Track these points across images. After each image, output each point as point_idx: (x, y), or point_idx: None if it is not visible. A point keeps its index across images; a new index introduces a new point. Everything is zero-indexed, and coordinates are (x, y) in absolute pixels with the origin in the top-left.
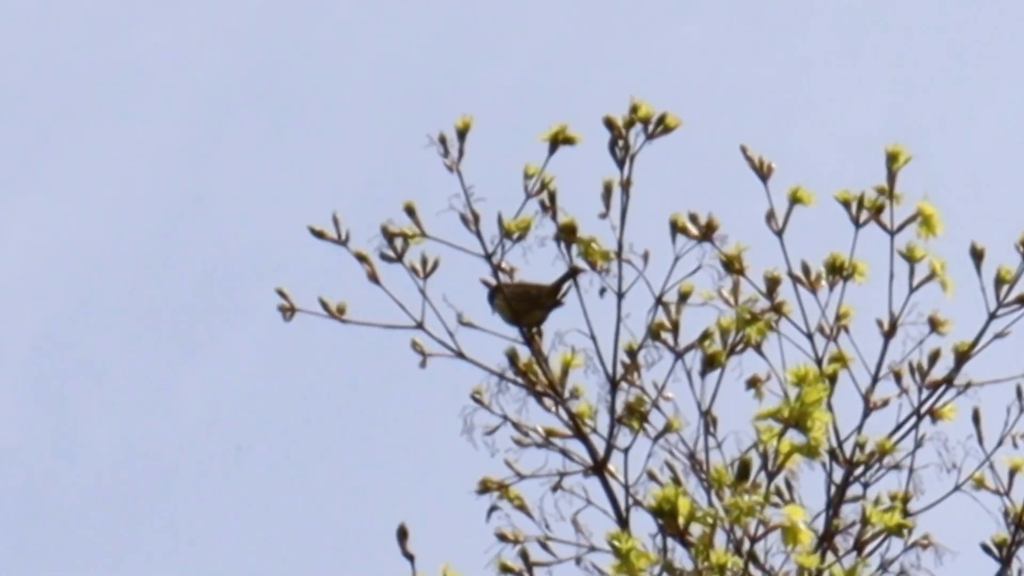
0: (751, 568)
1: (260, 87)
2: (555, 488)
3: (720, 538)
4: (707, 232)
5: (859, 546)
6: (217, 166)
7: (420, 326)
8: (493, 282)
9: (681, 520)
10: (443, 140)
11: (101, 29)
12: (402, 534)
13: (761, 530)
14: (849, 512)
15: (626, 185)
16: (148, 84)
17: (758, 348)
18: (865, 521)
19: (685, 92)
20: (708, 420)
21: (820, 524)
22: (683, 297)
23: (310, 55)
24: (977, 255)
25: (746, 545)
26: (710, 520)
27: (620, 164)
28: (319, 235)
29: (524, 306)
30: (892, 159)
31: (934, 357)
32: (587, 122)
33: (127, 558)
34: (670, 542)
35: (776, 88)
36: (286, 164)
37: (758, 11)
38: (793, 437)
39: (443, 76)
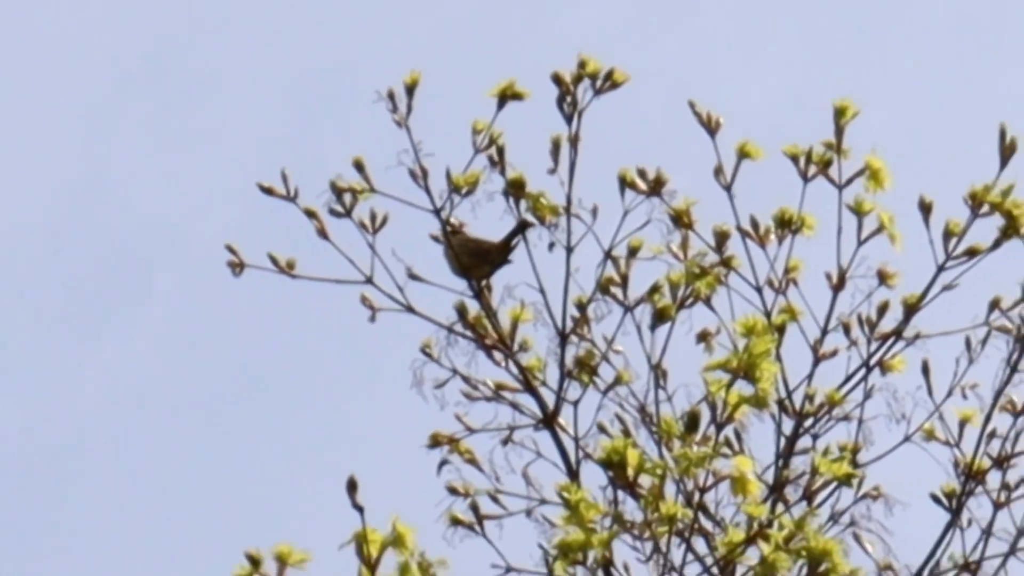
0: (701, 519)
1: (162, 63)
2: (505, 441)
3: (670, 489)
4: (656, 187)
5: (809, 496)
6: (116, 146)
7: (369, 281)
8: (444, 232)
9: (630, 471)
10: (391, 96)
11: None
12: (351, 486)
13: (711, 481)
14: (799, 464)
15: (574, 141)
16: (44, 64)
17: (708, 302)
18: (814, 471)
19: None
20: (658, 373)
21: (771, 476)
22: (632, 251)
23: (216, 26)
24: (925, 208)
25: (696, 496)
26: (659, 471)
27: (568, 120)
28: (268, 191)
29: (474, 261)
30: (840, 113)
31: (883, 309)
32: (535, 78)
33: (28, 544)
34: (620, 495)
35: (680, 64)
36: (187, 142)
37: None
38: (742, 388)
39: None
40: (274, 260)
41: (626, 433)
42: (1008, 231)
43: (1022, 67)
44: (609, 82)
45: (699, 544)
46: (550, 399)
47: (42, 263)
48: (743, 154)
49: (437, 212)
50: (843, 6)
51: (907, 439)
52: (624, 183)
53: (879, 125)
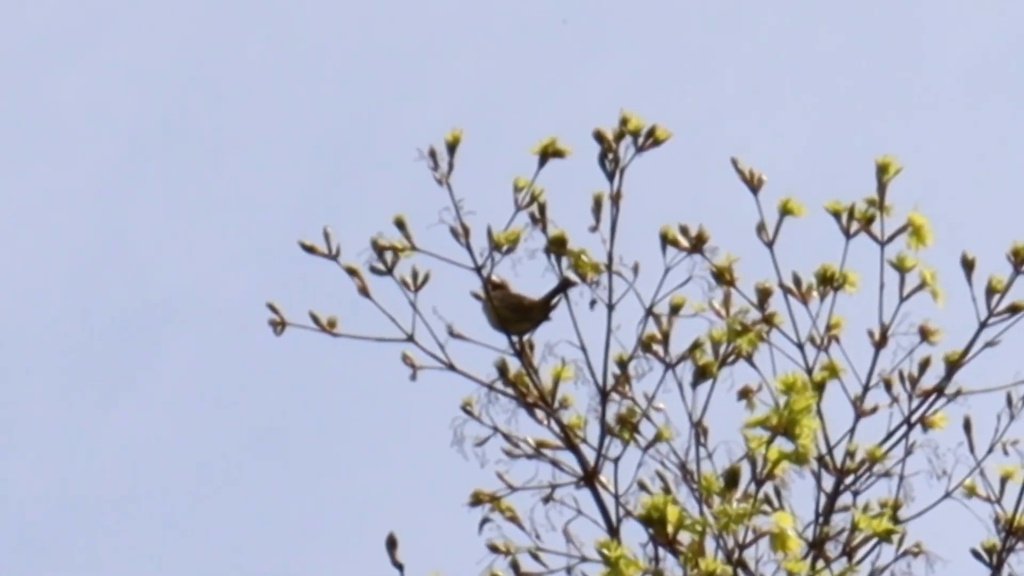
0: (741, 575)
1: (179, 127)
2: (546, 499)
3: (710, 546)
4: (697, 244)
5: (848, 553)
6: (132, 211)
7: (411, 339)
8: (484, 286)
9: (670, 528)
10: (433, 153)
11: (15, 73)
12: (391, 543)
13: (750, 537)
14: (839, 521)
15: (616, 198)
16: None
17: (749, 359)
18: (854, 527)
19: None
20: (699, 430)
21: (811, 534)
22: (674, 309)
23: (228, 94)
24: (968, 265)
25: (736, 553)
26: (699, 528)
27: (610, 177)
28: (310, 250)
29: (514, 316)
30: (882, 170)
31: (924, 366)
32: (577, 135)
33: None
34: (661, 552)
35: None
36: (204, 207)
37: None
38: (782, 445)
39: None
40: (315, 318)
41: (666, 490)
42: None
43: None
44: (651, 139)
45: None
46: (591, 456)
47: (58, 327)
48: (785, 211)
49: (478, 270)
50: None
51: (948, 495)
52: (666, 240)
53: (919, 181)
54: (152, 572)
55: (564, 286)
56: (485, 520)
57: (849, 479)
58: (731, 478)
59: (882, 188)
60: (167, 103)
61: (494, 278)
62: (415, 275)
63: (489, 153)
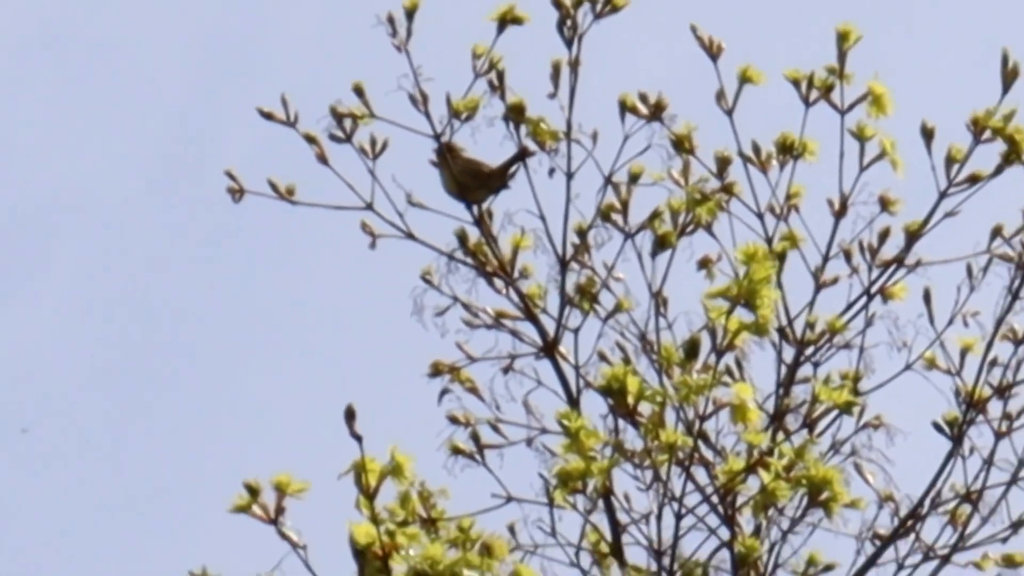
0: (701, 448)
1: (58, 31)
2: (506, 370)
3: (670, 418)
4: (656, 111)
5: (809, 425)
6: (15, 114)
7: (370, 207)
8: (440, 153)
9: (630, 399)
10: (391, 20)
11: None
12: (350, 415)
13: (711, 409)
14: (800, 392)
15: (574, 65)
16: None
17: (709, 228)
18: (814, 399)
19: None
20: (659, 301)
21: (771, 406)
22: (633, 177)
23: None
24: (927, 134)
25: (696, 424)
26: (659, 399)
27: (568, 44)
28: (267, 116)
29: (472, 182)
30: (842, 38)
31: (884, 236)
32: (536, 2)
33: None
34: (621, 424)
35: None
36: (86, 107)
37: None
38: (742, 315)
39: None
40: (274, 186)
41: (626, 361)
42: (1010, 157)
43: None
44: (609, 5)
45: (699, 473)
46: (551, 327)
47: None
48: (745, 79)
49: (437, 137)
50: None
51: (908, 367)
52: (624, 108)
53: (881, 50)
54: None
55: (523, 155)
56: (445, 391)
57: (809, 350)
58: (691, 349)
59: (842, 56)
60: (47, 6)
61: (447, 141)
62: (373, 143)
63: (447, 20)
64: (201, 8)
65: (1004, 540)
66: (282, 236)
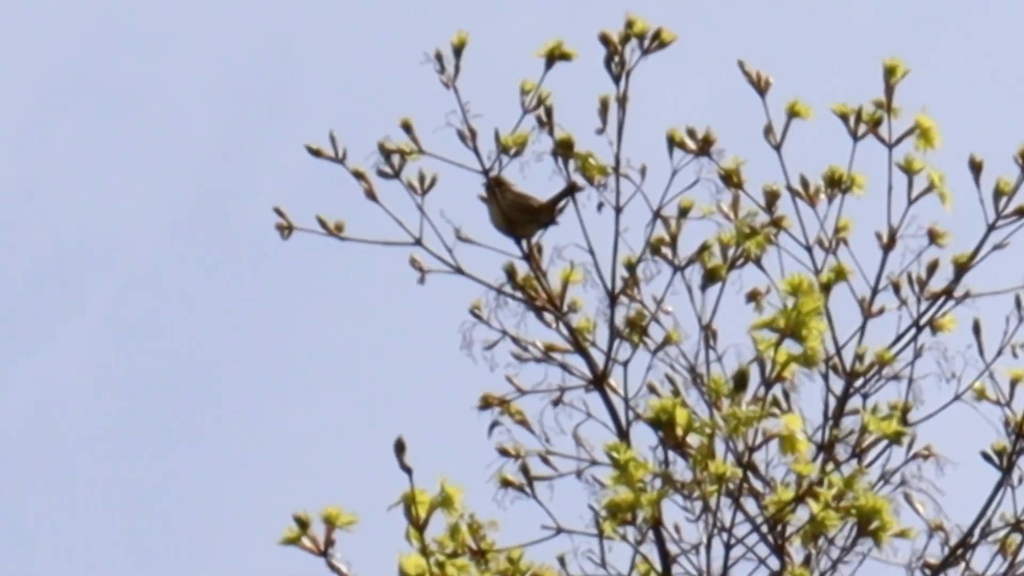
0: (751, 478)
1: (89, 74)
2: (556, 403)
3: (719, 449)
4: (704, 146)
5: (859, 455)
6: (47, 158)
7: (418, 242)
8: (488, 187)
9: (679, 430)
10: (439, 57)
11: None
12: (399, 447)
13: (760, 440)
14: (849, 424)
15: (622, 100)
16: None
17: (758, 262)
18: (863, 429)
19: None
20: (708, 334)
21: (821, 437)
22: (682, 211)
23: (140, 37)
24: (975, 167)
25: (745, 456)
26: (708, 430)
27: (616, 79)
28: (316, 153)
29: (521, 217)
30: (890, 72)
31: (933, 268)
32: (583, 38)
33: None
34: (671, 455)
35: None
36: (117, 150)
37: None
38: (791, 347)
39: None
40: (323, 223)
41: (676, 393)
42: None
43: None
44: (657, 42)
45: (749, 504)
46: (600, 360)
47: None
48: (793, 113)
49: (486, 172)
50: None
51: (957, 398)
52: (673, 143)
53: (929, 83)
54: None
55: (571, 190)
56: (495, 424)
57: (858, 382)
58: (740, 380)
59: (889, 90)
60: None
61: (496, 175)
62: (422, 178)
63: (495, 56)
64: (242, 46)
65: None
66: (332, 273)
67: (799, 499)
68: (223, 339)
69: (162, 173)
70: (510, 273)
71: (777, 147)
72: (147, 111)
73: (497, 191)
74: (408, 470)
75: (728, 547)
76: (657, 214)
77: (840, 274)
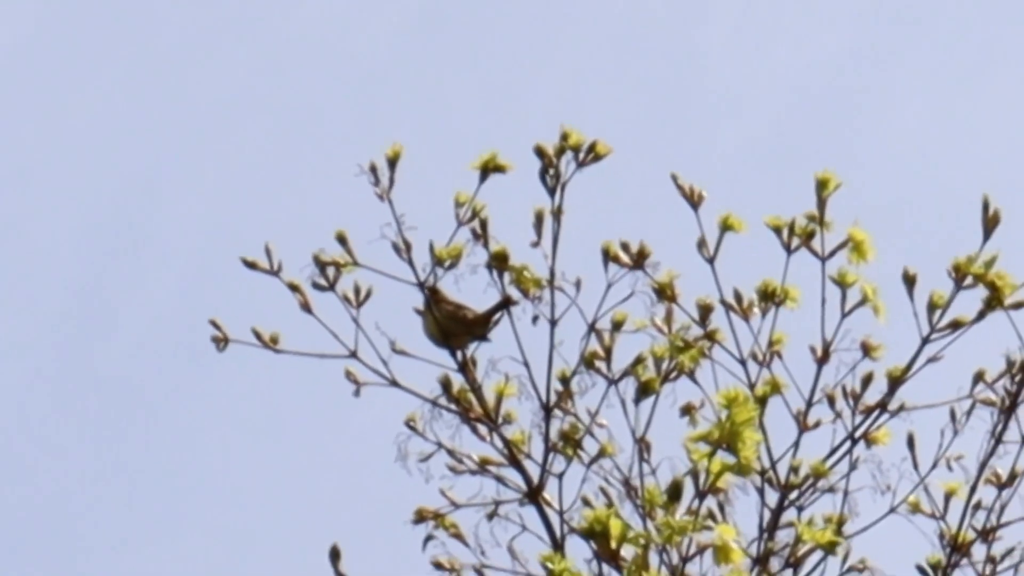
0: None
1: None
2: (490, 516)
3: (653, 560)
4: (639, 260)
5: (793, 566)
6: None
7: (354, 355)
8: (424, 297)
9: (613, 542)
10: (373, 169)
11: None
12: (334, 555)
13: (693, 550)
14: (784, 537)
15: (557, 213)
16: None
17: (691, 375)
18: (797, 539)
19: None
20: (642, 446)
21: (755, 549)
22: (616, 325)
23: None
24: (909, 280)
25: (679, 567)
26: (642, 541)
27: (551, 192)
28: (251, 265)
29: (455, 328)
30: (822, 186)
31: (867, 381)
32: (518, 150)
33: None
34: (605, 568)
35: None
36: None
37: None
38: (724, 457)
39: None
40: (258, 335)
41: (610, 506)
42: (992, 303)
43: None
44: (592, 154)
45: None
46: (535, 472)
47: None
48: (726, 227)
49: (421, 285)
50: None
51: (892, 511)
52: (607, 256)
53: (861, 196)
54: None
55: (506, 303)
56: (429, 537)
57: (793, 494)
58: (674, 491)
59: (822, 204)
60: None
61: (432, 285)
62: (357, 291)
63: (429, 168)
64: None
65: None
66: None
67: None
68: (143, 455)
69: (26, 311)
70: (445, 385)
71: (710, 260)
72: (9, 250)
73: (432, 303)
74: None
75: None
76: (592, 327)
77: (775, 387)
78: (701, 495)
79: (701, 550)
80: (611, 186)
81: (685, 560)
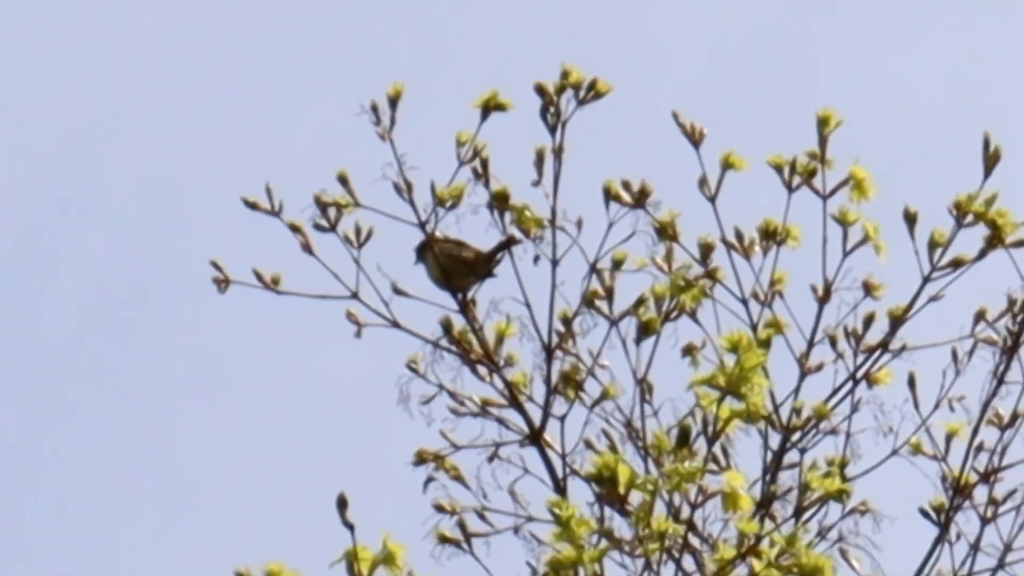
0: (690, 535)
1: None
2: (491, 458)
3: (658, 506)
4: (640, 198)
5: (798, 512)
6: None
7: (355, 296)
8: (423, 243)
9: (622, 487)
10: (374, 108)
11: None
12: (342, 503)
13: (701, 497)
14: (787, 479)
15: (558, 152)
16: None
17: (693, 315)
18: (805, 487)
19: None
20: (644, 387)
21: (758, 491)
22: (617, 264)
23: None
24: (910, 219)
25: (685, 512)
26: (650, 487)
27: (552, 130)
28: (252, 206)
29: (456, 269)
30: (823, 123)
31: (869, 321)
32: (519, 88)
33: None
34: (607, 511)
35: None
36: None
37: None
38: (731, 403)
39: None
40: (259, 276)
41: (612, 448)
42: (993, 241)
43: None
44: (592, 92)
45: (687, 561)
46: (536, 415)
47: None
48: (727, 165)
49: (422, 225)
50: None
51: (894, 453)
52: (608, 195)
53: (863, 133)
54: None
55: (508, 243)
56: (430, 479)
57: (796, 436)
58: (683, 436)
59: (823, 141)
60: None
61: (437, 233)
62: (358, 231)
63: (431, 107)
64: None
65: None
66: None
67: (741, 557)
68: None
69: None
70: (446, 327)
71: (712, 199)
72: None
73: (432, 246)
74: (350, 526)
75: None
76: (593, 267)
77: (776, 327)
78: (708, 440)
79: (708, 497)
80: (611, 123)
81: (693, 507)
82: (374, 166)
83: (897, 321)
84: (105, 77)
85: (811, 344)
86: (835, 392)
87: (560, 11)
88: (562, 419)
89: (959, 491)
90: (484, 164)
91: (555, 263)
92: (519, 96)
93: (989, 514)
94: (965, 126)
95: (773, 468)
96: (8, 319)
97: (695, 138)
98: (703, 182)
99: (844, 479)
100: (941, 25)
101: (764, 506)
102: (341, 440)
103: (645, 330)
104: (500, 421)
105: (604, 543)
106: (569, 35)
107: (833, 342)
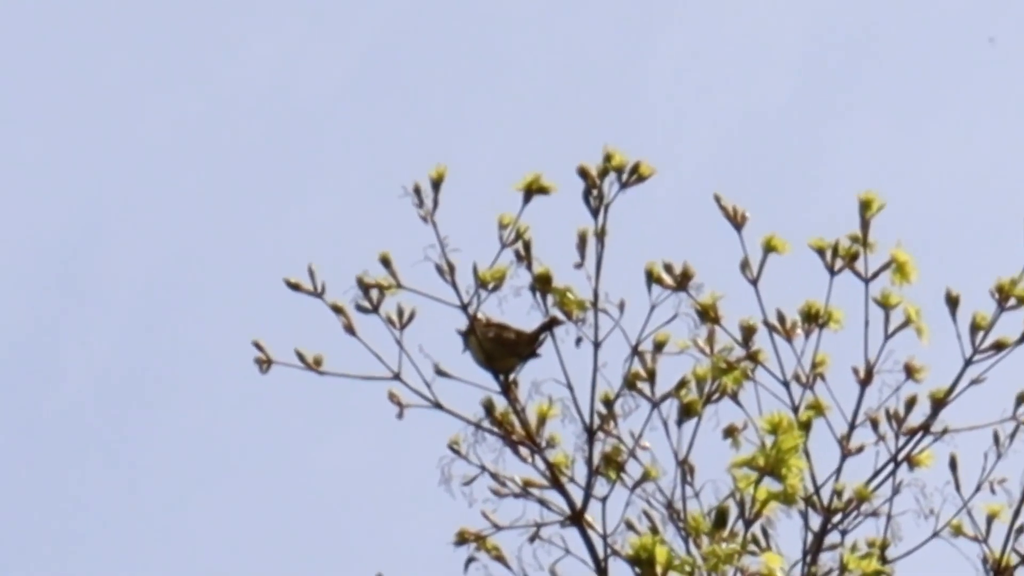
0: None
1: None
2: (533, 538)
3: None
4: (682, 281)
5: None
6: None
7: (397, 377)
8: (469, 326)
9: (659, 568)
10: (417, 190)
11: None
12: None
13: None
14: (827, 560)
15: (601, 234)
16: None
17: (734, 397)
18: (843, 568)
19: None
20: (685, 469)
21: (798, 572)
22: (659, 346)
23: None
24: (952, 302)
25: None
26: (688, 568)
27: (594, 213)
28: (295, 287)
29: (499, 351)
30: (865, 207)
31: (910, 404)
32: (562, 171)
33: None
34: None
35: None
36: None
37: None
38: (770, 484)
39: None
40: (301, 356)
41: (654, 530)
42: None
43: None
44: (635, 175)
45: None
46: (578, 495)
47: None
48: (769, 248)
49: (464, 307)
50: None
51: (936, 535)
52: (651, 278)
53: (905, 217)
54: None
55: (550, 324)
56: (471, 559)
57: (837, 518)
58: (720, 517)
59: (865, 225)
60: None
61: (480, 316)
62: (400, 313)
63: (473, 190)
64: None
65: None
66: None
67: None
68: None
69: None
70: (488, 408)
71: (754, 282)
72: None
73: (476, 328)
74: None
75: None
76: (635, 349)
77: (818, 409)
78: (746, 522)
79: None
80: (653, 207)
81: None
82: (416, 248)
83: (939, 404)
84: (118, 163)
85: (852, 426)
86: (876, 474)
87: (572, 93)
88: (604, 500)
89: (1000, 573)
90: (527, 246)
91: (597, 345)
92: (563, 179)
93: None
94: (1009, 208)
95: (814, 550)
96: (19, 408)
97: (737, 221)
98: (745, 265)
99: (885, 561)
100: (971, 103)
101: None
102: (383, 521)
103: (687, 412)
104: (542, 502)
105: None
106: (580, 116)
107: (875, 424)
